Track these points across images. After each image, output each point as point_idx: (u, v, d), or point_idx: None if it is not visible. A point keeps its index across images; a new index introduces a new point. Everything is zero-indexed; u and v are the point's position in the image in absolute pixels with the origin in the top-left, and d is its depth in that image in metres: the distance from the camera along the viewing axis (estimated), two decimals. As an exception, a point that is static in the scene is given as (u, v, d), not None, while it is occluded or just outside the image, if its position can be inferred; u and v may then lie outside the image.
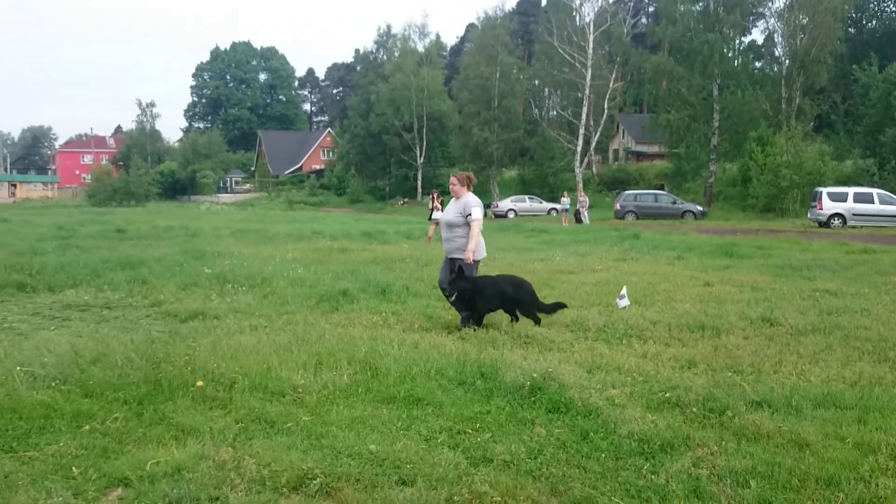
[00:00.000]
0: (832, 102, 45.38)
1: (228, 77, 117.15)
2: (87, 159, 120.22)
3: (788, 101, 42.54)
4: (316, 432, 4.70)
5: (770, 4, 44.88)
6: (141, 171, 77.90)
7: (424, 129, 63.71)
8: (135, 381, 5.50)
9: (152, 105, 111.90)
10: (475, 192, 8.67)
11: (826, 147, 39.89)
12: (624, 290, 9.54)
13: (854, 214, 30.58)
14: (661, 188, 47.08)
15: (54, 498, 3.74)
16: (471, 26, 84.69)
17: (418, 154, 64.39)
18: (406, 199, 63.29)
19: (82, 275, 11.91)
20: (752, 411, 5.14)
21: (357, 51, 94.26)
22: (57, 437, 4.59)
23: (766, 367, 6.39)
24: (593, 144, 52.99)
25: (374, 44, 76.07)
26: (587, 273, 13.05)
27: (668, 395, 5.48)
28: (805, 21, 42.16)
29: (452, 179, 8.57)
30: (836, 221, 30.44)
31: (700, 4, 44.17)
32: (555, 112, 58.02)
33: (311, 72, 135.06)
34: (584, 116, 50.18)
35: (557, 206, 42.97)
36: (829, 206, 30.85)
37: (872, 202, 30.74)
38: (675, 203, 39.37)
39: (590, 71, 49.29)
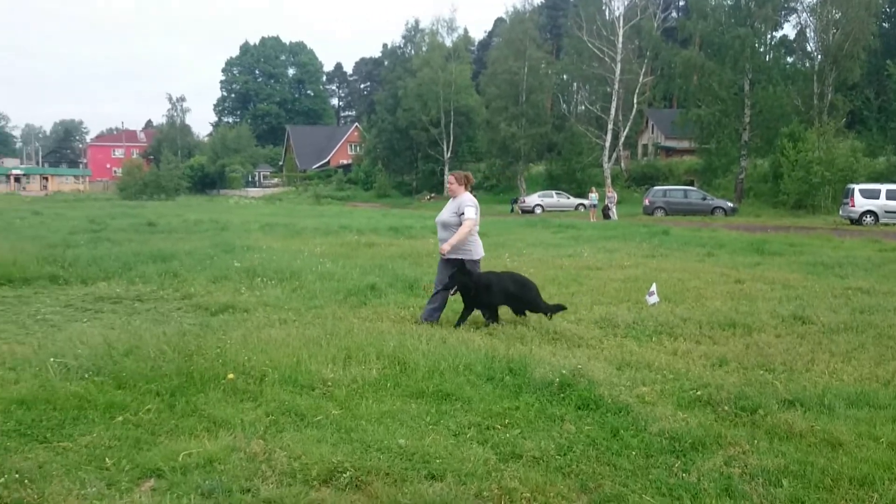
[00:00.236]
0: (865, 98, 44.59)
1: (257, 72, 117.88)
2: (118, 153, 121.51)
3: (820, 97, 41.94)
4: (345, 426, 4.73)
5: (802, -1, 44.33)
6: (171, 165, 78.61)
7: (451, 124, 63.64)
8: (167, 373, 5.56)
9: (182, 100, 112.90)
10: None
11: (858, 143, 39.33)
12: (653, 287, 9.46)
13: (886, 212, 30.13)
14: (691, 184, 46.63)
15: (88, 488, 3.78)
16: (499, 21, 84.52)
17: (445, 149, 64.35)
18: (433, 194, 63.27)
19: (114, 267, 12.08)
20: (784, 410, 5.09)
21: (385, 45, 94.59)
22: (90, 428, 4.65)
23: (798, 365, 6.32)
24: (622, 139, 52.53)
25: (402, 38, 76.04)
26: (616, 269, 12.98)
27: (699, 393, 5.43)
28: (838, 16, 41.53)
29: (450, 178, 8.48)
30: (869, 219, 29.99)
31: (731, -1, 43.71)
32: (583, 107, 57.69)
33: (338, 66, 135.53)
34: (612, 111, 49.80)
35: (585, 202, 42.77)
36: (861, 204, 30.41)
37: (905, 199, 30.26)
38: (705, 199, 39.00)
39: (619, 65, 48.87)
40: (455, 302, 8.29)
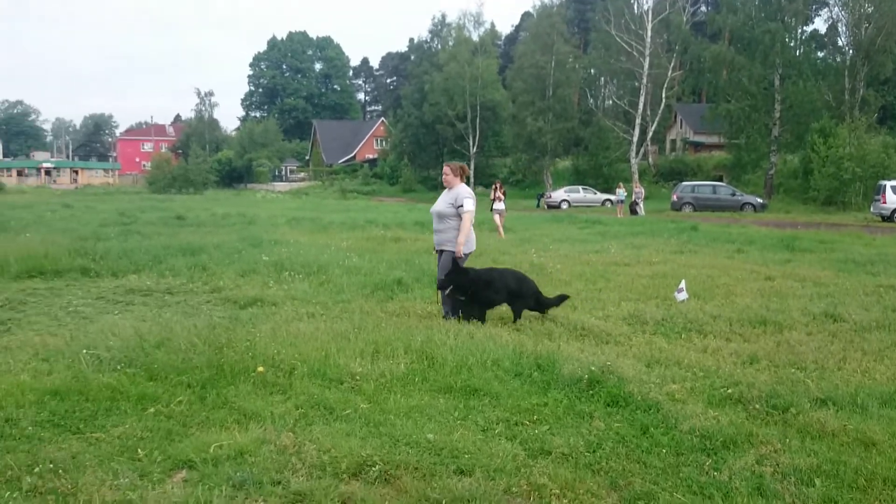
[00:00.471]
0: (897, 93, 43.97)
1: (285, 66, 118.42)
2: (147, 147, 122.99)
3: (852, 92, 41.34)
4: (374, 420, 4.75)
5: (834, -7, 43.69)
6: (199, 159, 79.33)
7: (478, 119, 63.48)
8: (198, 365, 5.62)
9: (210, 94, 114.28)
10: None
11: (890, 139, 38.73)
12: (682, 284, 9.39)
13: (919, 209, 29.64)
14: (720, 179, 46.21)
15: (121, 479, 3.83)
16: (526, 15, 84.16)
17: (471, 144, 64.22)
18: (458, 189, 63.15)
19: (144, 260, 12.19)
20: (817, 409, 5.04)
21: (411, 40, 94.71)
22: (123, 419, 4.71)
23: (830, 363, 6.25)
24: (650, 134, 52.18)
25: (429, 33, 75.96)
26: (644, 265, 12.89)
27: (730, 391, 5.39)
28: (870, 10, 40.89)
29: (445, 169, 8.35)
30: (900, 215, 29.54)
31: (762, -7, 43.16)
32: (610, 101, 57.27)
33: (365, 61, 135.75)
34: (640, 106, 49.43)
35: (612, 197, 42.50)
36: (892, 200, 29.98)
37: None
38: (734, 195, 38.60)
39: (647, 60, 48.50)
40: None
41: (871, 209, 31.61)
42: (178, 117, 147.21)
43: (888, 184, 30.64)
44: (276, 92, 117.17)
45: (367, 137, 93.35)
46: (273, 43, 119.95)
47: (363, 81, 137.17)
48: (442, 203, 8.18)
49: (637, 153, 50.23)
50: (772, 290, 10.21)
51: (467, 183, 8.40)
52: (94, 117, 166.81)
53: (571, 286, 10.39)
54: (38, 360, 5.97)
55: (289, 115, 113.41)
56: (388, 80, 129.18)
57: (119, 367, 5.58)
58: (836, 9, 44.22)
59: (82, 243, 14.11)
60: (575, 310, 8.53)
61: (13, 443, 4.27)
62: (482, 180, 64.07)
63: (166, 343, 6.14)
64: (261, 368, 5.57)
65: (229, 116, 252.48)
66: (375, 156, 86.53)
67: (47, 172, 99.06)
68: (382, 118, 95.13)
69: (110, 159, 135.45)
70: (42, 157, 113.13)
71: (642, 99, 49.49)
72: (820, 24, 64.69)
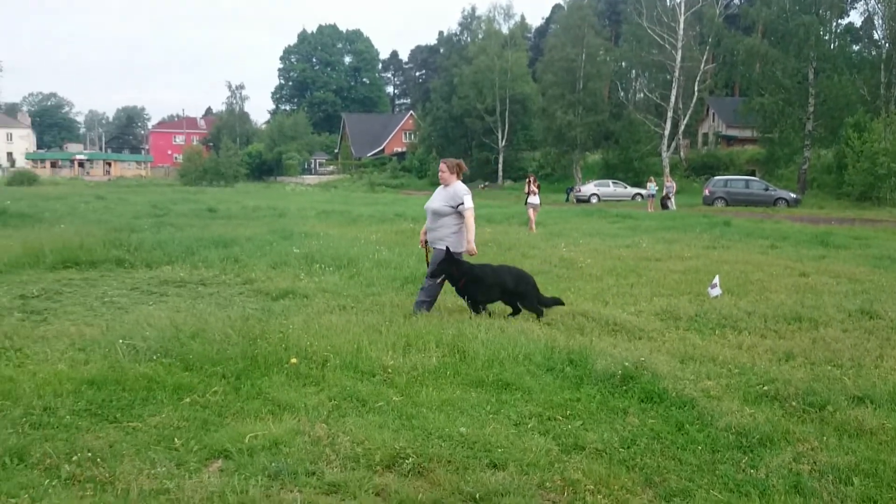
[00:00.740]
0: (934, 88, 42.96)
1: (315, 60, 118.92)
2: (179, 139, 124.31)
3: (888, 86, 40.55)
4: (406, 412, 4.76)
5: (870, -15, 42.88)
6: (230, 151, 79.89)
7: (507, 112, 63.29)
8: (232, 356, 5.67)
9: (241, 87, 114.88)
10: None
11: (927, 134, 37.86)
12: (716, 279, 9.29)
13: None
14: (753, 174, 45.59)
15: (158, 468, 3.88)
16: (557, 7, 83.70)
17: (500, 137, 64.06)
18: (486, 183, 63.10)
19: (177, 252, 12.32)
20: (854, 406, 4.98)
21: (441, 33, 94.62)
22: (159, 408, 4.77)
23: (867, 361, 6.16)
24: (682, 128, 51.57)
25: (459, 26, 75.97)
26: (676, 260, 12.77)
27: (765, 388, 5.33)
28: (907, 3, 40.05)
29: (441, 166, 8.11)
30: (937, 211, 28.98)
31: (796, -15, 42.45)
32: (642, 94, 56.63)
33: (394, 54, 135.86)
34: (672, 99, 48.90)
35: (643, 192, 42.16)
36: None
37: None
38: (767, 189, 38.10)
39: (679, 52, 47.96)
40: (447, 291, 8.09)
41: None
42: (209, 110, 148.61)
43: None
44: (306, 85, 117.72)
45: (395, 131, 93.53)
46: (303, 36, 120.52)
47: (392, 75, 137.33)
48: (438, 200, 7.95)
49: (668, 147, 49.72)
50: (806, 286, 10.07)
51: (463, 180, 8.24)
52: (126, 110, 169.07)
53: (603, 281, 10.34)
54: (75, 350, 6.05)
55: (318, 108, 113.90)
56: (418, 74, 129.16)
57: (155, 358, 5.65)
58: (872, 2, 43.52)
59: (116, 234, 14.29)
60: (607, 305, 8.48)
61: (52, 431, 4.33)
62: (511, 174, 63.97)
63: (201, 334, 6.20)
64: (294, 360, 5.62)
65: (260, 109, 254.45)
66: (404, 149, 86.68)
67: (80, 164, 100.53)
68: (411, 111, 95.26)
69: (142, 151, 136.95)
70: (75, 149, 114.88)
71: (674, 92, 48.95)
72: (855, 17, 63.38)
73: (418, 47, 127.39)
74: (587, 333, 6.98)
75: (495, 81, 61.71)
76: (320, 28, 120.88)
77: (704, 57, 49.71)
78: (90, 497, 3.56)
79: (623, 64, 58.23)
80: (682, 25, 47.95)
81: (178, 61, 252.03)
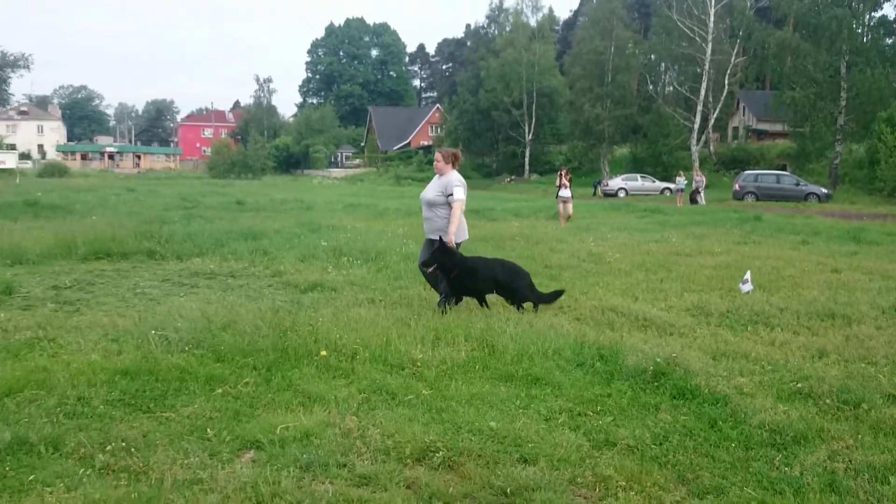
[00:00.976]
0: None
1: (342, 53, 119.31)
2: (208, 132, 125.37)
3: (922, 80, 39.77)
4: (436, 406, 4.75)
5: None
6: (258, 145, 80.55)
7: (534, 106, 63.00)
8: (263, 348, 5.70)
9: (269, 81, 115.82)
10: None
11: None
12: (747, 275, 9.16)
13: None
14: (783, 168, 44.96)
15: (191, 458, 3.91)
16: (585, 0, 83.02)
17: (527, 131, 63.81)
18: (513, 177, 62.93)
19: (207, 244, 12.44)
20: (889, 405, 4.90)
21: (468, 26, 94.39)
22: (192, 399, 4.80)
23: (902, 359, 6.03)
24: (711, 122, 50.97)
25: (486, 18, 75.68)
26: (706, 256, 12.64)
27: (799, 385, 5.25)
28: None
29: (437, 156, 8.07)
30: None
31: (828, -22, 41.75)
32: (671, 88, 56.07)
33: (421, 47, 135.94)
34: (702, 92, 48.36)
35: (671, 186, 41.77)
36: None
37: None
38: (798, 184, 37.58)
39: (710, 45, 47.39)
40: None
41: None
42: (237, 104, 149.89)
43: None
44: (333, 78, 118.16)
45: (422, 124, 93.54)
46: (330, 29, 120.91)
47: (419, 68, 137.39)
48: (432, 191, 7.93)
49: (698, 141, 49.21)
50: (839, 282, 9.91)
51: (459, 170, 8.14)
52: (155, 103, 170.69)
53: (632, 276, 10.26)
54: (108, 340, 6.12)
55: (345, 101, 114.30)
56: (444, 67, 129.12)
57: (187, 349, 5.69)
58: (907, -7, 42.66)
59: (147, 226, 14.44)
60: (636, 300, 8.41)
61: (86, 421, 4.38)
62: (537, 168, 63.72)
63: (232, 325, 6.24)
64: (324, 352, 5.64)
65: (287, 103, 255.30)
66: (430, 142, 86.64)
67: (110, 157, 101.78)
68: (438, 105, 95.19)
69: (171, 144, 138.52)
70: (105, 142, 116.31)
71: (704, 85, 48.41)
72: (889, 10, 62.42)
73: (445, 40, 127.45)
74: (617, 329, 6.92)
75: (522, 74, 61.45)
76: (347, 21, 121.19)
77: (735, 50, 49.08)
78: (124, 486, 3.59)
79: (652, 57, 57.64)
80: (712, 18, 47.36)
81: (206, 55, 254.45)
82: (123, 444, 4.03)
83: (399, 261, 11.01)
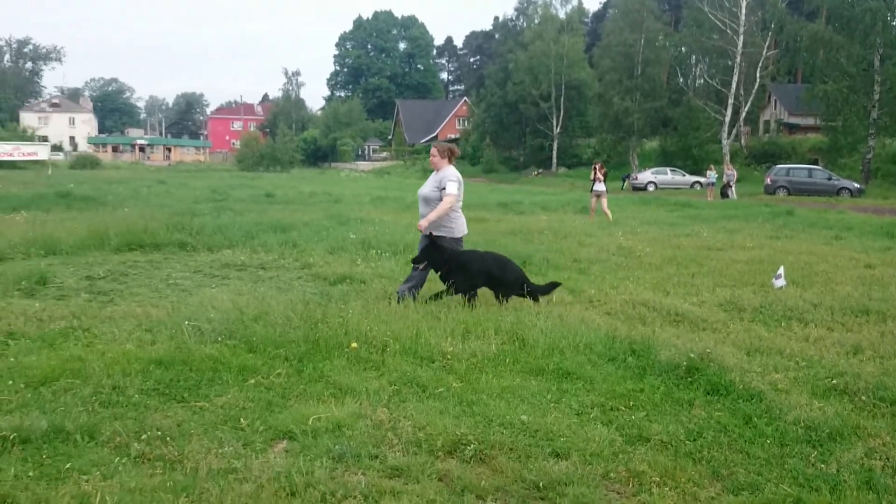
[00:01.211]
0: None
1: (369, 46, 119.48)
2: (237, 125, 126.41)
3: (956, 74, 38.88)
4: (467, 399, 4.74)
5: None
6: (286, 137, 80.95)
7: (562, 99, 62.65)
8: (294, 339, 5.73)
9: (297, 74, 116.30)
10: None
11: None
12: (781, 270, 9.05)
13: None
14: (815, 163, 44.31)
15: (225, 447, 3.94)
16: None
17: (555, 124, 63.47)
18: (540, 170, 62.61)
19: (237, 236, 12.52)
20: (927, 402, 4.79)
21: (496, 18, 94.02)
22: (225, 389, 4.84)
23: (939, 356, 5.91)
24: (743, 115, 50.30)
25: (515, 11, 75.42)
26: (738, 250, 12.50)
27: (834, 381, 5.18)
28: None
29: (433, 151, 7.89)
30: None
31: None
32: (702, 80, 55.36)
33: (449, 40, 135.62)
34: (733, 85, 47.73)
35: (702, 180, 41.36)
36: None
37: None
38: (830, 179, 37.07)
39: (741, 38, 46.74)
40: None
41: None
42: (265, 97, 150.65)
43: None
44: (361, 71, 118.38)
45: (449, 117, 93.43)
46: (358, 22, 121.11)
47: (446, 61, 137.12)
48: (428, 186, 7.79)
49: (729, 134, 48.61)
50: (872, 278, 9.76)
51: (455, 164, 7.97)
52: (185, 96, 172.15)
53: (662, 270, 10.17)
54: (142, 331, 6.18)
55: (372, 94, 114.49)
56: (472, 60, 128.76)
57: (220, 339, 5.74)
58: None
59: (178, 218, 14.58)
60: (668, 295, 8.34)
61: (121, 410, 4.43)
62: (565, 161, 63.40)
63: (264, 317, 6.28)
64: (354, 344, 5.65)
65: (315, 96, 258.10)
66: (457, 135, 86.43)
67: (141, 149, 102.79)
68: (465, 98, 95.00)
69: (201, 137, 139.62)
70: (136, 134, 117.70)
71: (735, 78, 47.77)
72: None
73: (473, 33, 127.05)
74: (649, 324, 6.86)
75: (551, 67, 61.12)
76: (375, 14, 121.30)
77: (767, 43, 48.34)
78: (160, 475, 3.63)
79: (683, 49, 56.96)
80: (743, 10, 46.70)
81: (236, 48, 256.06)
82: (158, 433, 4.07)
83: (427, 254, 10.98)
